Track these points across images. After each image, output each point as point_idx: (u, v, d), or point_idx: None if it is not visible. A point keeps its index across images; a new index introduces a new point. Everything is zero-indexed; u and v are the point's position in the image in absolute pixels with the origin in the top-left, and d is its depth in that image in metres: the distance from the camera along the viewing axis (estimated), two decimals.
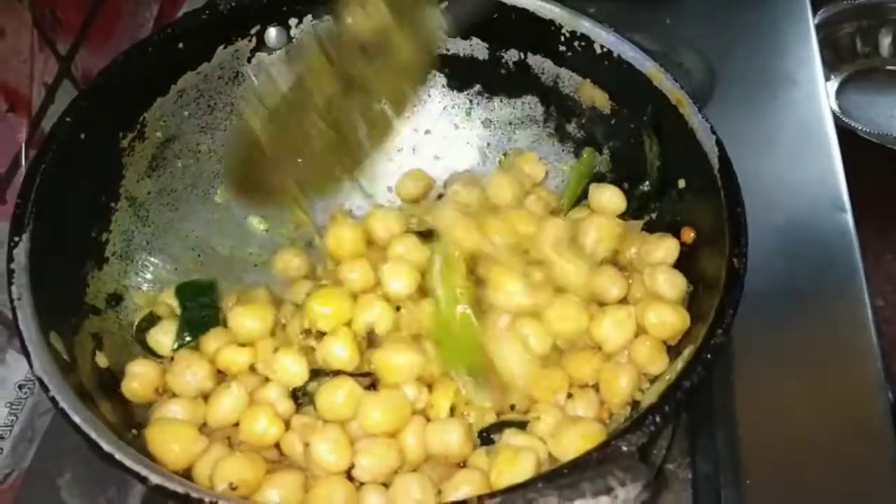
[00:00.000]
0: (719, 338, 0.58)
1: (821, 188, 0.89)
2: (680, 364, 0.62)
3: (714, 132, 0.69)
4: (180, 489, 0.53)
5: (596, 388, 0.69)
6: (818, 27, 1.22)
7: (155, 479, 0.54)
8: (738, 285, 0.61)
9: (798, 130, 0.94)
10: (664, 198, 0.76)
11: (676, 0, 1.08)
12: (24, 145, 0.80)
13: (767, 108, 0.96)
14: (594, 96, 0.79)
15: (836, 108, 1.20)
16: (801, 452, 0.72)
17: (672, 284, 0.70)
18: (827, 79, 1.20)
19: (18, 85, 0.79)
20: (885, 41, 1.27)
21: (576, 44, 0.78)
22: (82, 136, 0.70)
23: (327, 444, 0.64)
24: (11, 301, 0.61)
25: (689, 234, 0.71)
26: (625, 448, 0.53)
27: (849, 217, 0.87)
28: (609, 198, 0.78)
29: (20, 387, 0.78)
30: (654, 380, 0.68)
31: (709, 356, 0.57)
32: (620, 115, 0.78)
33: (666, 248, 0.72)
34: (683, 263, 0.72)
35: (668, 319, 0.68)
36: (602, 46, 0.76)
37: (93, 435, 0.56)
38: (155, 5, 1.05)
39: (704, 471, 0.73)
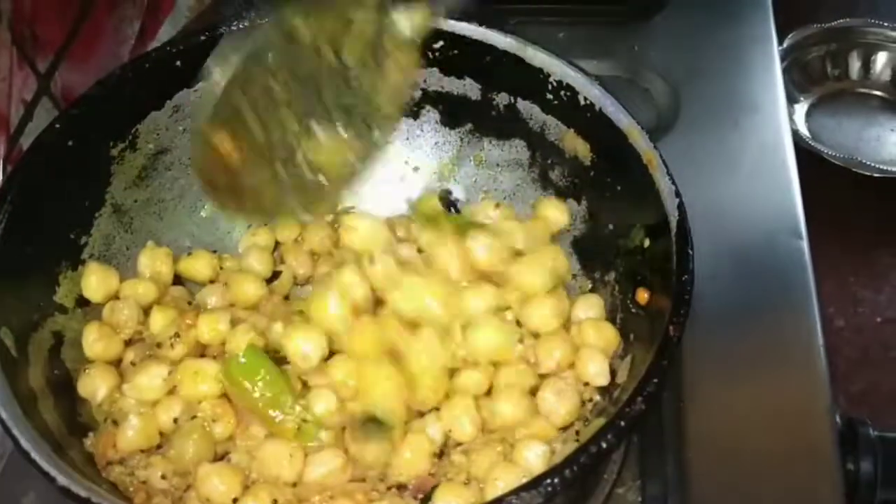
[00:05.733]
0: (638, 405, 0.58)
1: (779, 215, 0.90)
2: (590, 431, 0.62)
3: (678, 195, 0.68)
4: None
5: None
6: (788, 50, 1.24)
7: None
8: (669, 355, 0.60)
9: (759, 156, 0.95)
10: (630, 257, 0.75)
11: (644, 24, 1.10)
12: (1, 161, 0.83)
13: (730, 134, 0.97)
14: (577, 146, 0.79)
15: (805, 130, 1.21)
16: (750, 476, 0.72)
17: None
18: (797, 101, 1.23)
19: None
20: (855, 65, 1.28)
21: (562, 93, 0.78)
22: (70, 142, 0.74)
23: None
24: None
25: (643, 296, 0.70)
26: None
27: (805, 244, 0.87)
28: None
29: None
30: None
31: (623, 423, 0.57)
32: (599, 168, 0.78)
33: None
34: (633, 324, 0.71)
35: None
36: (585, 98, 0.76)
37: (23, 443, 0.58)
38: (137, 21, 1.06)
39: (654, 494, 0.72)
